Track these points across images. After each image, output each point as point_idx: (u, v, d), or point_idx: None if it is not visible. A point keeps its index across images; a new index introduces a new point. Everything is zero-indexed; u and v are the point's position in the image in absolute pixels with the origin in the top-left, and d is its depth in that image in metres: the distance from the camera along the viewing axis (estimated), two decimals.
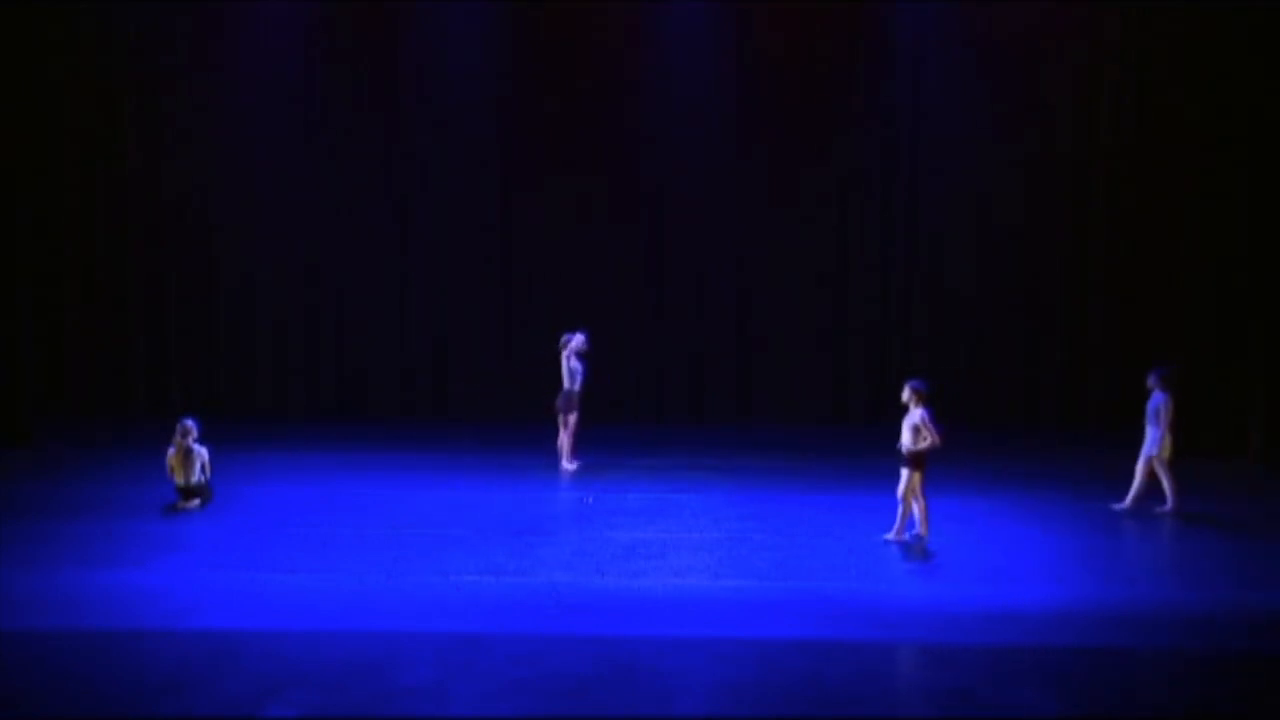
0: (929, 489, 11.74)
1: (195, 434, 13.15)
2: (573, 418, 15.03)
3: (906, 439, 11.62)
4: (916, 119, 18.67)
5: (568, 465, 15.10)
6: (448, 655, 8.83)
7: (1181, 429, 13.21)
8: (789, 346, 18.96)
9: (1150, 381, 13.20)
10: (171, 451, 13.12)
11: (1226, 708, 8.23)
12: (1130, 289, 18.21)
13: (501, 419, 18.63)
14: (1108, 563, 11.55)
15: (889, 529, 11.86)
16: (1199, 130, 16.94)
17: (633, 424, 18.37)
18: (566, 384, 14.94)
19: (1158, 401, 13.03)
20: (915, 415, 11.56)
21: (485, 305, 19.16)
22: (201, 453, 13.10)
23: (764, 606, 10.01)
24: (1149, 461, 13.11)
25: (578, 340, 14.98)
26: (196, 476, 13.06)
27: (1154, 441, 13.01)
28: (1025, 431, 18.17)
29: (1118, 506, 13.25)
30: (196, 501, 13.05)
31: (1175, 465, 13.07)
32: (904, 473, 11.70)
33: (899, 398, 11.84)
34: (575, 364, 14.95)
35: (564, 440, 15.11)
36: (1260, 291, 16.22)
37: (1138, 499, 13.20)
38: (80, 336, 18.93)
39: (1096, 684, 8.54)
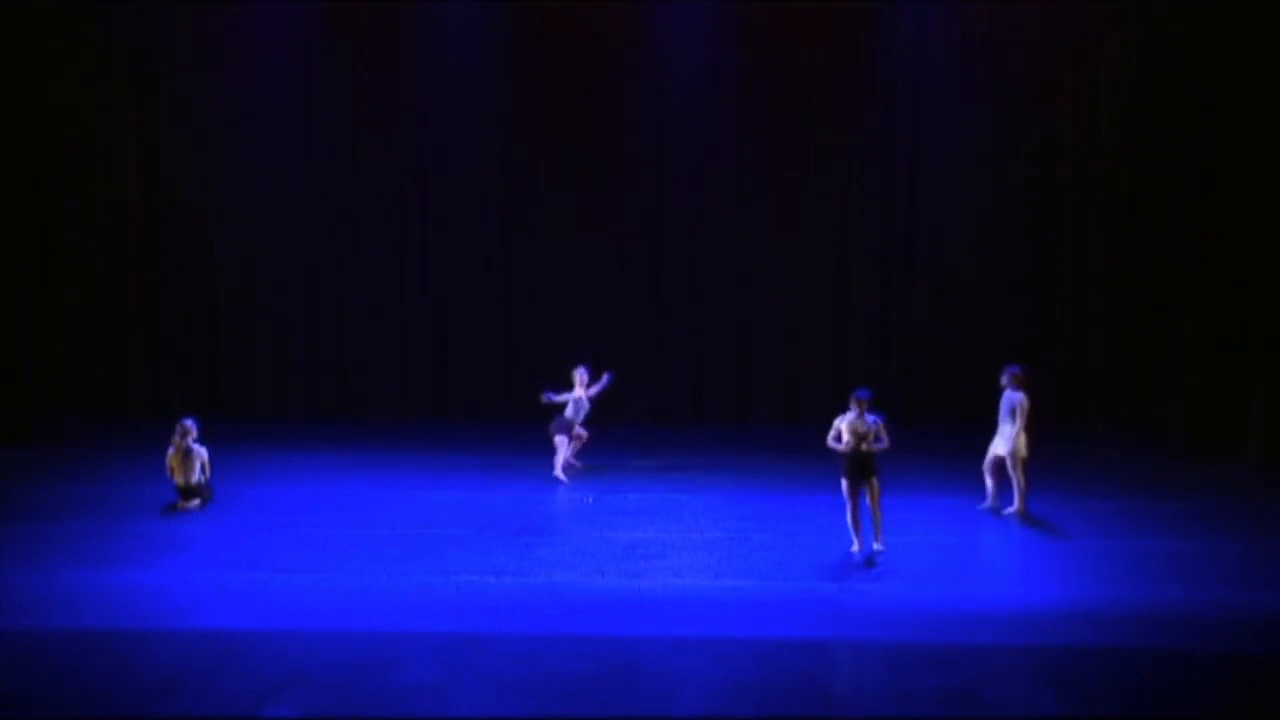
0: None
1: (195, 434, 13.15)
2: (561, 439, 14.62)
3: (866, 444, 11.39)
4: (916, 120, 18.63)
5: (560, 473, 14.70)
6: (448, 655, 8.84)
7: (1035, 428, 12.83)
8: (789, 346, 18.95)
9: (1003, 380, 12.90)
10: (171, 451, 13.12)
11: (1226, 708, 8.23)
12: (1130, 288, 18.19)
13: (501, 419, 18.61)
14: (1107, 563, 11.54)
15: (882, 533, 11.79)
16: (1200, 128, 16.90)
17: (633, 424, 18.35)
18: (569, 412, 14.61)
19: (1014, 400, 12.71)
20: (871, 419, 11.35)
21: (485, 305, 19.15)
22: (201, 453, 13.11)
23: (764, 606, 10.02)
24: (998, 460, 12.84)
25: (582, 373, 14.69)
26: (196, 476, 13.06)
27: (1009, 440, 12.72)
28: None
29: (1007, 511, 12.95)
30: (196, 501, 13.05)
31: (1029, 464, 12.80)
32: (845, 483, 11.47)
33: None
34: (585, 400, 14.64)
35: (564, 455, 14.69)
36: (1261, 290, 16.19)
37: (1022, 497, 12.85)
38: (80, 336, 18.91)
39: (1096, 684, 8.55)
